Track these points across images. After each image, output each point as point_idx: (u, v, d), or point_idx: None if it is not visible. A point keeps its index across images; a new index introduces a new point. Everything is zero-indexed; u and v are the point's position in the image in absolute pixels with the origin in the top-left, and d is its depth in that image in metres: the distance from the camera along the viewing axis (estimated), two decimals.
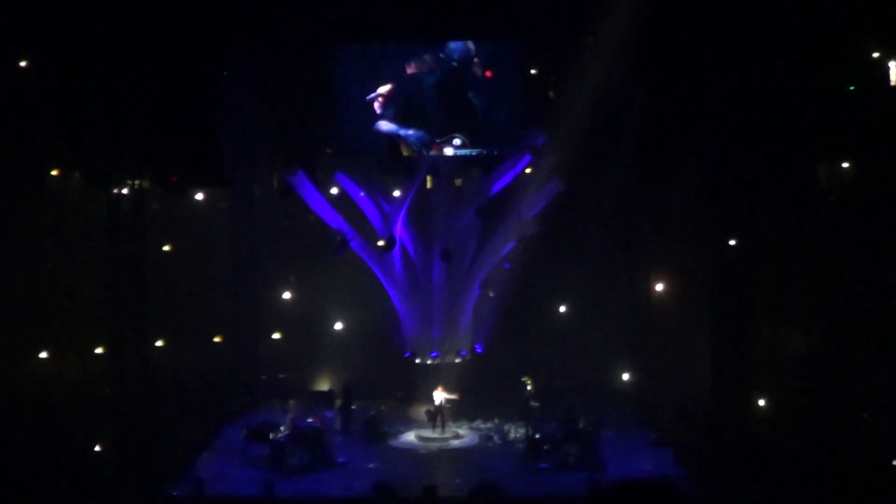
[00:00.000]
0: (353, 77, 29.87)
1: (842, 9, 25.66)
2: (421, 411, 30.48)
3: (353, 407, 29.86)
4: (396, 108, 29.85)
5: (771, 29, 24.74)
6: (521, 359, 32.42)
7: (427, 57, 29.66)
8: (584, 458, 25.63)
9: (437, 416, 29.55)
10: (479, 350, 32.87)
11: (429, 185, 32.06)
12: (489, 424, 30.38)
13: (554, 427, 27.32)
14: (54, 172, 29.17)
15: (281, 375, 34.03)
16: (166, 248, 31.45)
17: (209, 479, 25.05)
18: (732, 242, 26.30)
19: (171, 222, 31.08)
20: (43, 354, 28.68)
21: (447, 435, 29.23)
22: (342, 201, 31.96)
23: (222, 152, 27.94)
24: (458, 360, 32.40)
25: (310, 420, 28.59)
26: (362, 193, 31.82)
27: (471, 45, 29.48)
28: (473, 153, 30.07)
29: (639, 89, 27.60)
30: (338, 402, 30.34)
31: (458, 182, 32.45)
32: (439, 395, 29.61)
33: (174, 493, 24.35)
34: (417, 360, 32.53)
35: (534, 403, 29.26)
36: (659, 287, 31.88)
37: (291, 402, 32.01)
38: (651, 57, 26.16)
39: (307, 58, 28.91)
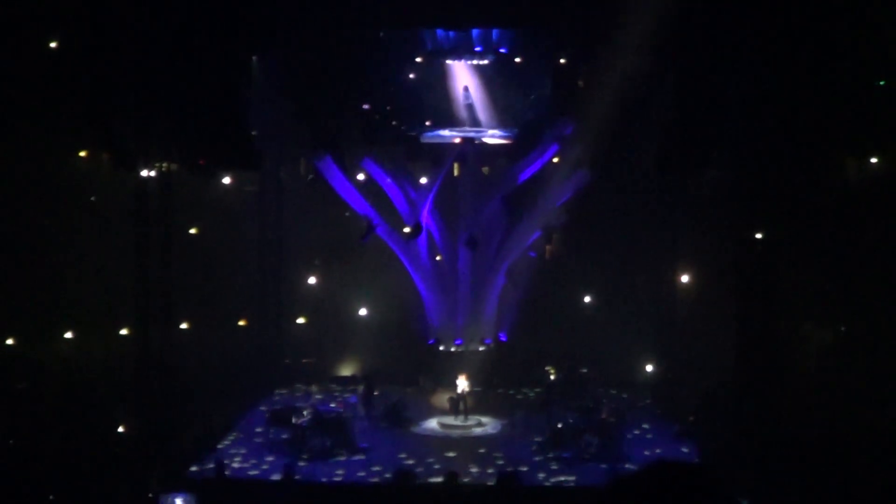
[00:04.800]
0: (383, 63, 29.94)
1: (872, 4, 25.49)
2: (444, 398, 30.49)
3: (375, 393, 29.89)
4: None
5: (801, 22, 24.59)
6: (544, 348, 32.40)
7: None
8: (606, 449, 25.58)
9: (460, 404, 29.54)
10: (502, 339, 32.88)
11: (456, 172, 32.06)
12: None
13: (576, 417, 27.33)
14: (83, 154, 29.33)
15: (304, 360, 34.11)
16: (193, 230, 31.53)
17: (231, 462, 25.22)
18: (758, 235, 26.20)
19: (198, 205, 31.14)
20: (68, 335, 28.87)
21: (469, 423, 29.22)
22: (369, 187, 31.99)
23: (250, 136, 28.05)
24: (481, 349, 32.42)
25: (332, 405, 28.70)
26: (389, 180, 31.86)
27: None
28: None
29: (667, 81, 27.48)
30: (360, 388, 30.38)
31: (486, 170, 32.47)
32: (462, 383, 29.59)
33: (196, 475, 24.49)
34: (441, 348, 32.57)
35: (556, 393, 29.34)
36: (684, 279, 31.80)
37: (314, 387, 32.09)
38: (680, 48, 26.05)
39: (337, 43, 28.92)
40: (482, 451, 26.91)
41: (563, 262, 32.94)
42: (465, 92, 30.47)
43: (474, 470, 25.18)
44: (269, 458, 25.74)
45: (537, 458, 25.80)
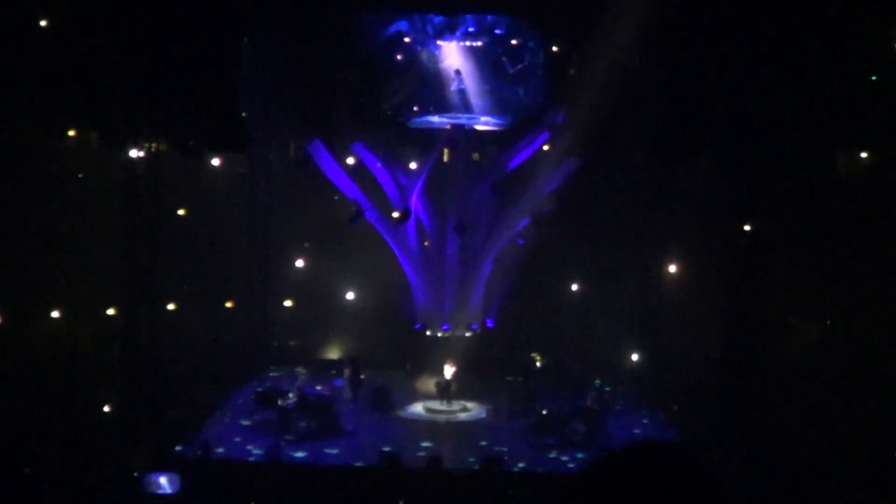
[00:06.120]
0: (375, 46, 29.90)
1: None
2: (429, 383, 30.52)
3: (361, 376, 29.90)
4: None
5: (793, 16, 24.62)
6: (531, 335, 32.47)
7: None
8: (590, 436, 25.68)
9: (446, 389, 29.58)
10: (489, 325, 32.91)
11: (446, 158, 32.02)
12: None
13: (561, 404, 27.42)
14: (71, 133, 29.22)
15: (291, 342, 34.11)
16: (181, 211, 31.45)
17: (216, 443, 25.25)
18: (747, 227, 26.29)
19: (187, 186, 31.06)
20: (55, 314, 28.83)
21: (455, 408, 29.28)
22: (359, 171, 31.95)
23: (241, 118, 27.99)
24: (468, 334, 32.43)
25: (318, 388, 28.74)
26: (379, 164, 31.79)
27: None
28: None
29: (660, 70, 27.47)
30: (346, 372, 30.41)
31: (476, 156, 32.42)
32: (449, 369, 29.62)
33: (181, 455, 24.53)
34: (428, 333, 32.58)
35: (542, 379, 29.47)
36: (672, 268, 31.87)
37: (300, 370, 32.09)
38: (672, 39, 26.05)
39: (329, 25, 28.86)
40: (467, 436, 27.00)
41: (552, 250, 32.95)
42: (457, 76, 30.31)
43: (459, 455, 25.27)
44: (255, 440, 25.80)
45: (521, 444, 25.90)
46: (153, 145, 26.62)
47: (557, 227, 31.67)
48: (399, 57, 30.47)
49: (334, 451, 25.23)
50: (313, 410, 26.67)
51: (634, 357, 32.53)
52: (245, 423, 27.29)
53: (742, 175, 26.17)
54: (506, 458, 24.55)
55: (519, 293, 33.03)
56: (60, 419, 24.64)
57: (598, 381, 31.04)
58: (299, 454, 24.89)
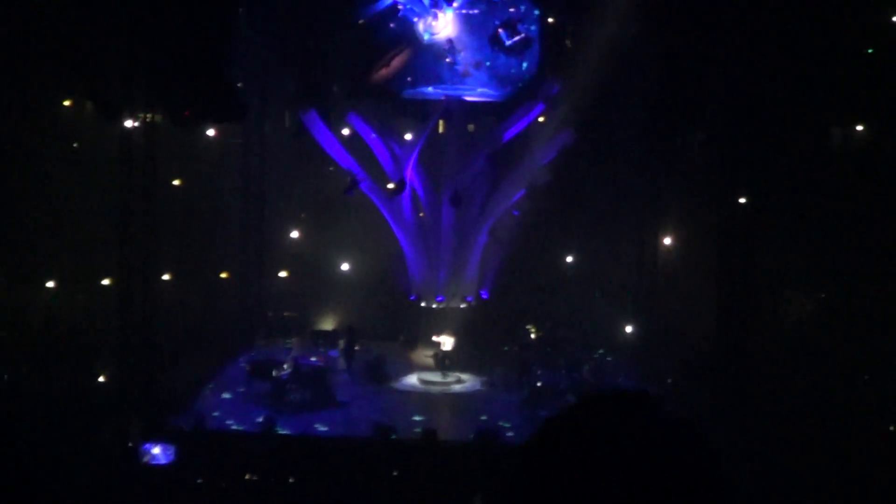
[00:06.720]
0: (371, 15, 29.75)
1: None
2: (423, 354, 30.56)
3: (356, 347, 29.92)
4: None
5: None
6: (525, 307, 32.48)
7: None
8: None
9: (445, 361, 29.62)
10: (484, 296, 32.92)
11: (441, 129, 31.93)
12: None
13: (555, 376, 27.45)
14: (66, 103, 29.13)
15: (286, 313, 34.04)
16: (176, 182, 31.37)
17: (210, 413, 25.30)
18: (742, 201, 26.28)
19: (182, 156, 30.96)
20: (50, 284, 28.81)
21: (449, 379, 29.32)
22: (354, 142, 31.87)
23: (236, 88, 27.89)
24: (463, 306, 32.45)
25: (313, 359, 28.76)
26: (374, 135, 31.70)
27: None
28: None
29: (656, 42, 27.39)
30: (341, 343, 30.41)
31: (471, 127, 32.32)
32: (447, 341, 29.67)
33: (176, 426, 24.56)
34: (423, 304, 32.61)
35: (537, 352, 29.52)
36: (666, 241, 31.88)
37: (295, 341, 32.10)
38: (669, 11, 25.98)
39: None
40: (461, 407, 27.05)
41: (547, 222, 32.94)
42: (449, 45, 30.03)
43: (453, 426, 25.33)
44: (249, 411, 25.83)
45: (516, 416, 25.95)
46: (148, 115, 26.52)
47: (553, 198, 31.66)
48: (394, 26, 30.21)
49: (328, 423, 25.27)
50: (307, 381, 26.71)
51: (628, 329, 32.57)
52: (238, 394, 27.30)
53: (738, 148, 26.12)
54: (500, 429, 24.61)
55: (514, 265, 33.04)
56: (55, 389, 24.66)
57: (601, 351, 31.17)
58: (293, 425, 24.93)
